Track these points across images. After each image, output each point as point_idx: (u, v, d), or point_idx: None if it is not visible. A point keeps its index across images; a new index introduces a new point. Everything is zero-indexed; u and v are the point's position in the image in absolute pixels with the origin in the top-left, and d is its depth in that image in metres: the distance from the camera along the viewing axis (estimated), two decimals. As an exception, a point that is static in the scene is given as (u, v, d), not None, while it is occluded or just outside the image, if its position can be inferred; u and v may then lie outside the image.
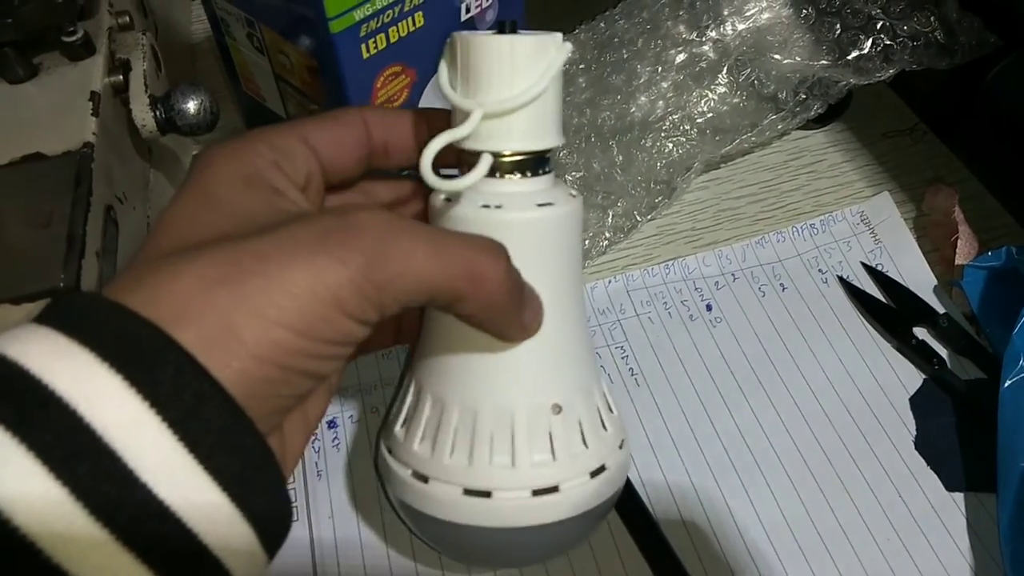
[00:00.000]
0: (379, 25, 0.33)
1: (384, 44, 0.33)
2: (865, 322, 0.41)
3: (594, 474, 0.27)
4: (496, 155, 0.25)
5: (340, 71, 0.34)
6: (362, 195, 0.28)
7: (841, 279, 0.42)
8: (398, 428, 0.28)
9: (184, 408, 0.17)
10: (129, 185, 0.38)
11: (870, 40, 0.43)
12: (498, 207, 0.25)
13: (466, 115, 0.24)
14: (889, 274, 0.42)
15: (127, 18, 0.41)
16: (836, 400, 0.39)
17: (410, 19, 0.33)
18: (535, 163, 0.26)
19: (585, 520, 0.28)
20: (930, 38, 0.44)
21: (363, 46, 0.33)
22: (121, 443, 0.16)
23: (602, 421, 0.28)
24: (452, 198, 0.26)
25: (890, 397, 0.39)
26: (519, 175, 0.26)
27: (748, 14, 0.45)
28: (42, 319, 0.17)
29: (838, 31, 0.44)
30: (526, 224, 0.25)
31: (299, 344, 0.19)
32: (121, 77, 0.38)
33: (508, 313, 0.24)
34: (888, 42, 0.43)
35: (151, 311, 0.17)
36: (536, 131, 0.25)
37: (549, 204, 0.26)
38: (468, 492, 0.26)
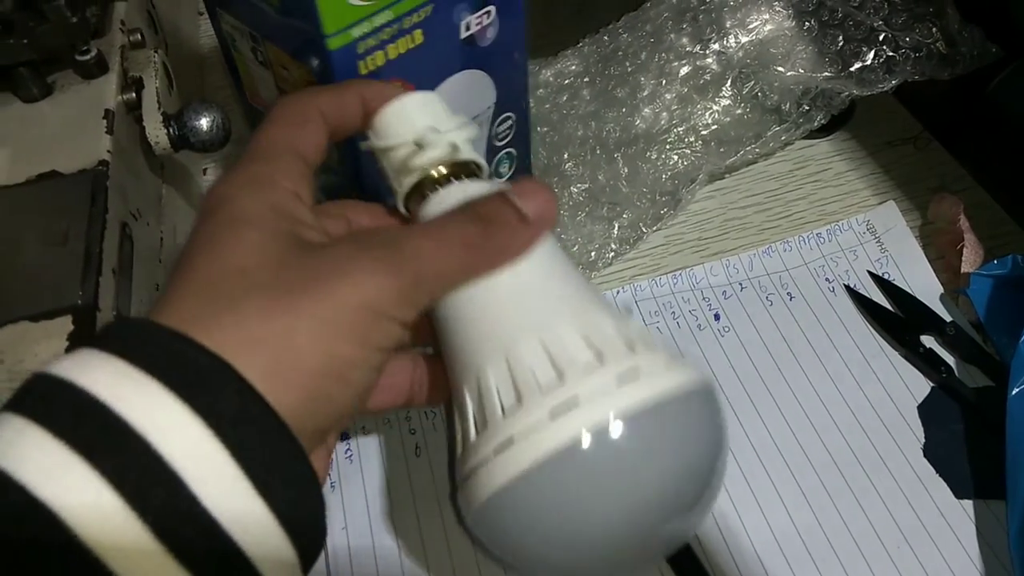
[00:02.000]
0: (377, 43, 0.33)
1: (383, 61, 0.34)
2: (872, 330, 0.41)
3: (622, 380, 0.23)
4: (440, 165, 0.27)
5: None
6: (344, 220, 0.29)
7: (848, 288, 0.43)
8: (459, 451, 0.26)
9: (245, 438, 0.17)
10: (143, 202, 0.38)
11: (872, 51, 0.44)
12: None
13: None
14: (895, 283, 0.43)
15: (139, 36, 0.42)
16: (844, 408, 0.39)
17: (409, 36, 0.34)
18: (470, 172, 0.28)
19: (690, 403, 0.24)
20: (932, 49, 0.44)
21: (361, 63, 0.34)
22: (188, 471, 0.17)
23: (626, 339, 0.25)
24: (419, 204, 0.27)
25: (898, 405, 0.39)
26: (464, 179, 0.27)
27: (751, 27, 0.45)
28: (100, 344, 0.18)
29: (840, 43, 0.44)
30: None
31: (358, 354, 0.21)
32: (134, 95, 0.39)
33: (510, 228, 0.25)
34: (890, 53, 0.44)
35: (210, 340, 0.18)
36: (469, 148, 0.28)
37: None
38: (554, 413, 0.23)
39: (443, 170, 0.27)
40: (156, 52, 0.41)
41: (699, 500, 0.25)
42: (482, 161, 0.28)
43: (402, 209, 0.28)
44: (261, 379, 0.18)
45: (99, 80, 0.38)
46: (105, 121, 0.36)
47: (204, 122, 0.38)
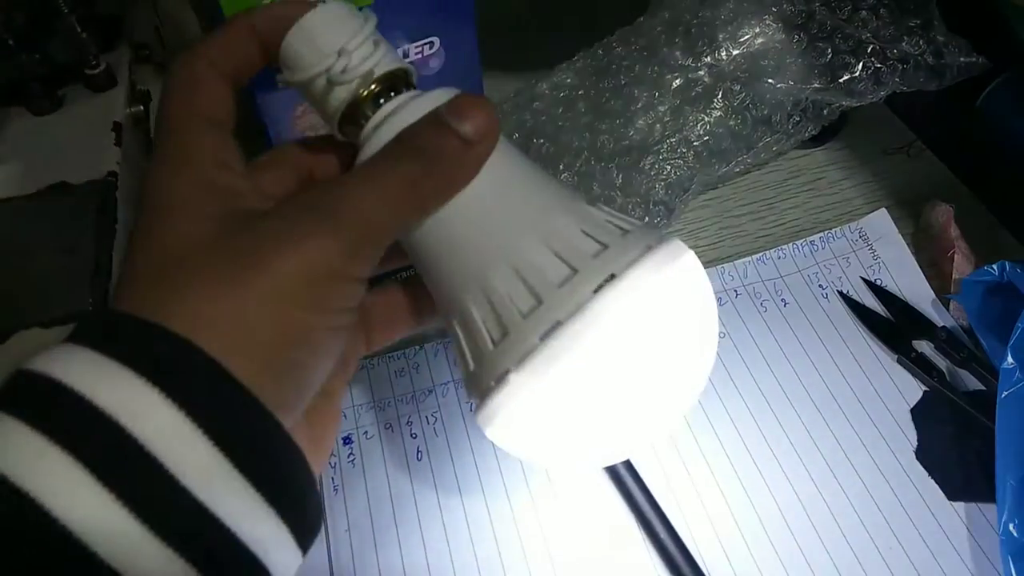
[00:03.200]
0: None
1: None
2: (865, 336, 0.42)
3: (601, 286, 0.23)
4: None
5: (254, 99, 0.35)
6: (289, 169, 0.27)
7: (841, 294, 0.43)
8: (463, 373, 0.26)
9: (217, 415, 0.18)
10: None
11: (860, 63, 0.45)
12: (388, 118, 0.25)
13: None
14: (888, 289, 0.43)
15: (146, 51, 0.43)
16: (838, 411, 0.40)
17: None
18: (401, 84, 0.26)
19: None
20: (919, 61, 0.45)
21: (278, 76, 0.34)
22: (163, 451, 0.17)
23: (595, 236, 0.25)
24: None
25: (891, 409, 0.40)
26: (392, 94, 0.25)
27: (742, 40, 0.46)
28: (75, 339, 0.19)
29: (829, 55, 0.45)
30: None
31: (316, 319, 0.20)
32: (142, 108, 0.40)
33: (452, 156, 0.23)
34: (878, 65, 0.45)
35: (170, 324, 0.18)
36: (391, 54, 0.26)
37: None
38: (543, 337, 0.23)
39: (371, 88, 0.25)
40: (164, 67, 0.42)
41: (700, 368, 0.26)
42: (406, 65, 0.26)
43: (340, 137, 0.26)
44: (221, 358, 0.18)
45: (108, 94, 0.39)
46: (114, 134, 0.37)
47: (210, 134, 0.39)
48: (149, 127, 0.39)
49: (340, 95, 0.24)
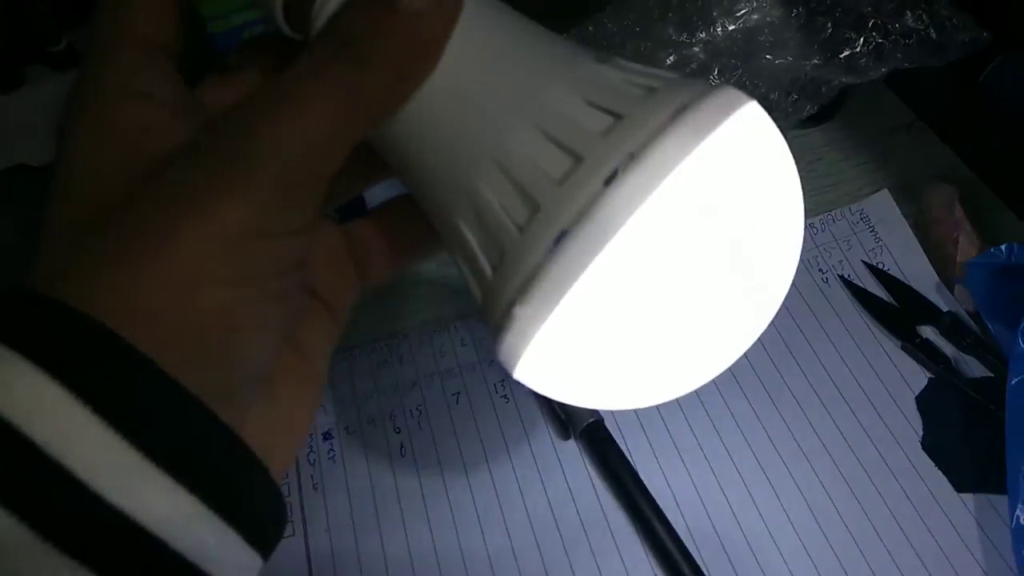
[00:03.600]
0: (265, 31, 0.33)
1: None
2: (868, 322, 0.40)
3: (675, 115, 0.17)
4: None
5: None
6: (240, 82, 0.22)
7: (842, 278, 0.42)
8: (478, 298, 0.20)
9: (131, 406, 0.15)
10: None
11: (862, 39, 0.43)
12: None
13: None
14: (891, 273, 0.42)
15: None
16: (840, 401, 0.38)
17: None
18: None
19: None
20: (922, 36, 0.43)
21: None
22: (65, 453, 0.14)
23: (638, 84, 0.19)
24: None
25: (895, 397, 0.38)
26: None
27: (739, 15, 0.45)
28: None
29: (829, 30, 0.43)
30: None
31: (239, 292, 0.17)
32: (107, 87, 0.38)
33: (400, 47, 0.18)
34: (880, 40, 0.43)
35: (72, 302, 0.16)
36: None
37: None
38: (548, 253, 0.17)
39: None
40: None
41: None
42: None
43: (286, 29, 0.20)
44: (138, 345, 0.15)
45: (71, 72, 0.37)
46: (76, 113, 0.35)
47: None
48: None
49: None
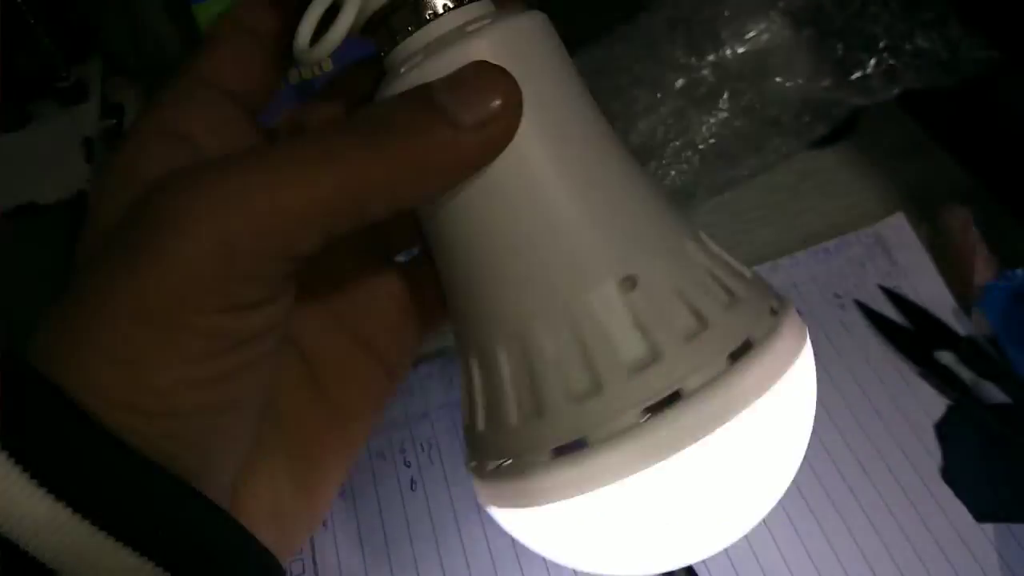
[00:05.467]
0: None
1: (282, 86, 0.34)
2: (885, 347, 0.40)
3: (736, 355, 0.17)
4: None
5: None
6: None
7: (858, 303, 0.41)
8: (481, 421, 0.19)
9: (92, 479, 0.14)
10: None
11: (873, 60, 0.43)
12: (420, 58, 0.18)
13: None
14: (907, 297, 0.41)
15: (120, 61, 0.41)
16: (856, 427, 0.38)
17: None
18: None
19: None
20: (934, 56, 0.43)
21: None
22: (23, 538, 0.13)
23: (723, 284, 0.19)
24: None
25: (913, 424, 0.38)
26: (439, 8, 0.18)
27: (748, 37, 0.44)
28: None
29: (840, 52, 0.43)
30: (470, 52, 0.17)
31: (181, 372, 0.15)
32: (115, 121, 0.38)
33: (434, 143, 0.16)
34: (892, 62, 0.43)
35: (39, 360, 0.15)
36: None
37: (485, 23, 0.18)
38: (558, 451, 0.17)
39: None
40: (138, 77, 0.40)
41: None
42: None
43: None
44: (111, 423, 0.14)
45: (79, 108, 0.37)
46: (84, 150, 0.35)
47: (187, 148, 0.37)
48: (123, 141, 0.37)
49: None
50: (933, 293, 0.41)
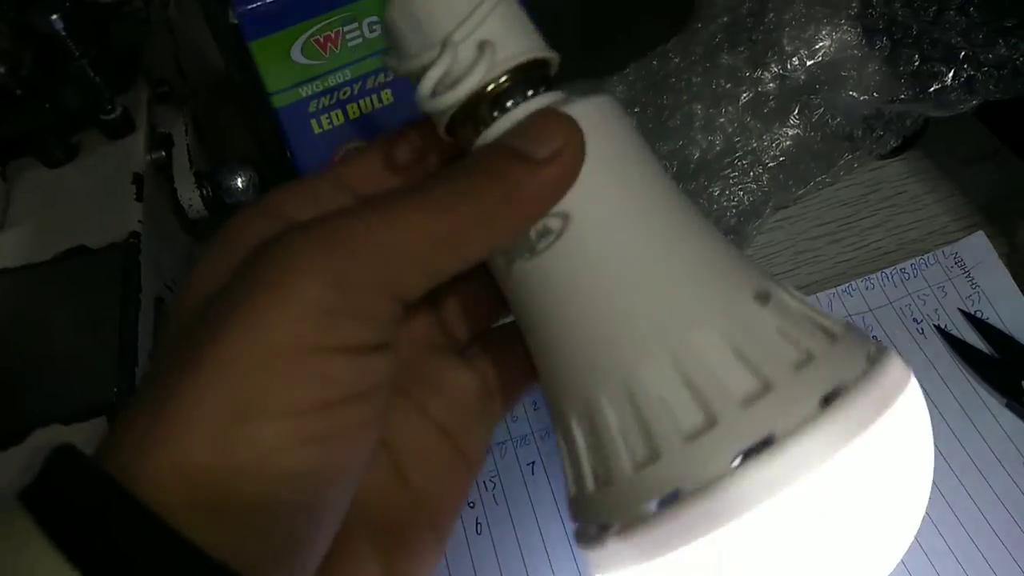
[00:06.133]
0: (333, 102, 0.33)
1: (341, 120, 0.33)
2: (969, 376, 0.38)
3: (829, 399, 0.17)
4: (490, 83, 0.19)
5: (288, 143, 0.34)
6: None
7: (939, 328, 0.39)
8: (571, 488, 0.19)
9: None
10: (177, 269, 0.36)
11: (952, 71, 0.40)
12: None
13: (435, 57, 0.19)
14: (990, 322, 0.39)
15: (166, 88, 0.40)
16: (941, 462, 0.36)
17: (374, 96, 0.33)
18: (535, 80, 0.20)
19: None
20: (1017, 65, 0.40)
21: (314, 121, 0.33)
22: None
23: (818, 327, 0.18)
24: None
25: (1001, 459, 0.36)
26: (519, 97, 0.19)
27: (816, 47, 0.42)
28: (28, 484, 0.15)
29: (916, 62, 0.41)
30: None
31: (282, 427, 0.15)
32: (164, 153, 0.36)
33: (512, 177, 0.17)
34: (971, 72, 0.40)
35: (124, 458, 0.14)
36: (520, 37, 0.19)
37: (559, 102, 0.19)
38: (663, 502, 0.17)
39: (492, 87, 0.19)
40: (185, 105, 0.39)
41: None
42: (542, 53, 0.19)
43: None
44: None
45: (126, 140, 0.36)
46: (134, 187, 0.34)
47: (239, 181, 0.35)
48: (172, 174, 0.36)
49: (442, 103, 0.19)
50: (1017, 317, 0.39)
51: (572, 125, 0.18)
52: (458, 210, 0.17)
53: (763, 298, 0.18)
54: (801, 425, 0.16)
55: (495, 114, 0.19)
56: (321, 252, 0.15)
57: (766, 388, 0.17)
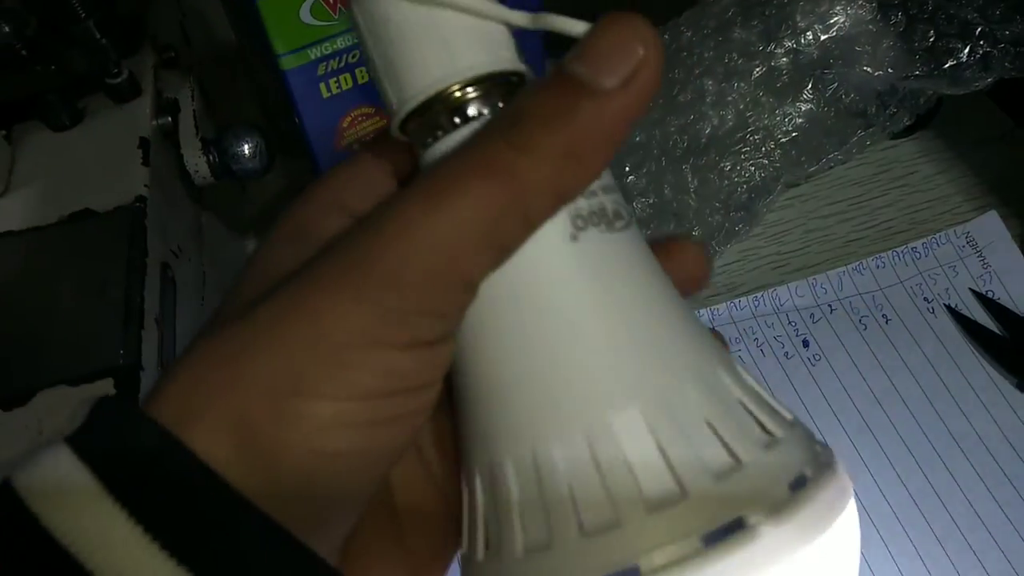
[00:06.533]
0: (342, 65, 0.32)
1: (350, 84, 0.33)
2: (979, 357, 0.38)
3: (796, 486, 0.16)
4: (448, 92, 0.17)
5: (296, 107, 0.33)
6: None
7: (950, 308, 0.39)
8: (479, 550, 0.18)
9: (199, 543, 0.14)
10: (183, 235, 0.35)
11: (967, 47, 0.40)
12: None
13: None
14: (1001, 302, 0.39)
15: (172, 53, 0.39)
16: (951, 443, 0.36)
17: None
18: (502, 90, 0.17)
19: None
20: (1034, 41, 0.40)
21: (323, 85, 0.33)
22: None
23: (767, 415, 0.17)
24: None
25: (1012, 441, 0.36)
26: (487, 108, 0.17)
27: (830, 22, 0.42)
28: (70, 440, 0.15)
29: (932, 38, 0.40)
30: None
31: (340, 407, 0.15)
32: (170, 119, 0.36)
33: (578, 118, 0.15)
34: (987, 49, 0.40)
35: (173, 407, 0.14)
36: (483, 47, 0.17)
37: None
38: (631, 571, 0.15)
39: (462, 94, 0.16)
40: (191, 71, 0.38)
41: None
42: (522, 67, 0.17)
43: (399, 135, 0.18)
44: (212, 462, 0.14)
45: (132, 104, 0.36)
46: (140, 151, 0.33)
47: (246, 148, 0.35)
48: (178, 139, 0.35)
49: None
50: (1030, 297, 0.39)
51: (647, 33, 0.15)
52: (524, 180, 0.15)
53: (727, 367, 0.17)
54: (685, 560, 0.15)
55: (456, 121, 0.17)
56: (390, 252, 0.15)
57: (736, 464, 0.15)
